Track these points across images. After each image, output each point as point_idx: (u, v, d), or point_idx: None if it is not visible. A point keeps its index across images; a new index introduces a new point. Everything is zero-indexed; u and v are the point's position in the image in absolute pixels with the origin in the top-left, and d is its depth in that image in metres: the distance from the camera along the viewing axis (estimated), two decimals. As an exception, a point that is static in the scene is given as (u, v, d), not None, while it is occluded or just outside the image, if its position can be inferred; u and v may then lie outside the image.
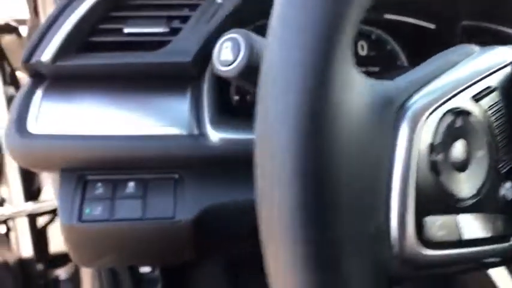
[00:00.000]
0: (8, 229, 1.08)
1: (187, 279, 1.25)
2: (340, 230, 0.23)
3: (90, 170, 0.53)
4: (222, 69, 0.37)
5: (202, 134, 0.52)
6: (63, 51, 0.49)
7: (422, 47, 0.78)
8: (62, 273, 1.04)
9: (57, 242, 1.08)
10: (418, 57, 0.77)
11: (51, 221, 1.10)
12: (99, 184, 0.53)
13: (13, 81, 1.15)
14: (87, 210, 0.51)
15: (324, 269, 0.22)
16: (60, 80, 0.52)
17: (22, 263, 1.02)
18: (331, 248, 0.23)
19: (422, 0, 0.69)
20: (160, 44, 0.53)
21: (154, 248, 0.53)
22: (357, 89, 0.24)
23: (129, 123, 0.52)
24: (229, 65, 0.37)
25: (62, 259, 1.04)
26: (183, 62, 0.51)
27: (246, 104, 0.63)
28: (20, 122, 0.49)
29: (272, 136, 0.22)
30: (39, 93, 0.51)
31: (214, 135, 0.52)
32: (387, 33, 0.78)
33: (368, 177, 0.25)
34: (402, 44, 0.79)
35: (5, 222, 1.07)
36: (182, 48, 0.52)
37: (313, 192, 0.22)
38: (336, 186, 0.23)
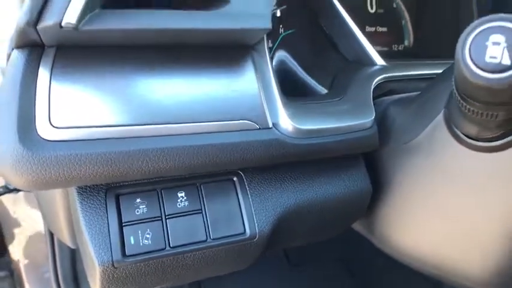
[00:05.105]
0: None
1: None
2: None
3: (121, 181, 0.37)
4: (484, 75, 0.26)
5: (277, 125, 0.40)
6: (88, 7, 0.30)
7: (424, 5, 0.76)
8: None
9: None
10: (419, 15, 0.76)
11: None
12: (139, 200, 0.38)
13: None
14: (131, 240, 0.36)
15: None
16: (72, 50, 0.33)
17: None
18: None
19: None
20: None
21: (214, 269, 0.42)
22: None
23: (179, 114, 0.36)
24: (504, 69, 0.25)
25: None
26: (258, 29, 0.37)
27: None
28: (24, 126, 0.30)
29: None
30: (44, 73, 0.32)
31: (290, 126, 0.41)
32: (393, -11, 0.73)
33: None
34: (406, 1, 0.74)
35: None
36: (249, 8, 0.37)
37: None
38: None
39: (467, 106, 0.31)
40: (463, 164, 0.41)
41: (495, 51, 0.25)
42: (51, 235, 0.79)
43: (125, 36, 0.33)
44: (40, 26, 0.29)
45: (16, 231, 0.85)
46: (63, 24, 0.29)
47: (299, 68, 0.62)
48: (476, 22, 0.26)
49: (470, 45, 0.26)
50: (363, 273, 1.25)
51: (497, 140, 0.37)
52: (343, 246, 1.31)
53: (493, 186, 0.40)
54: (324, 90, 0.60)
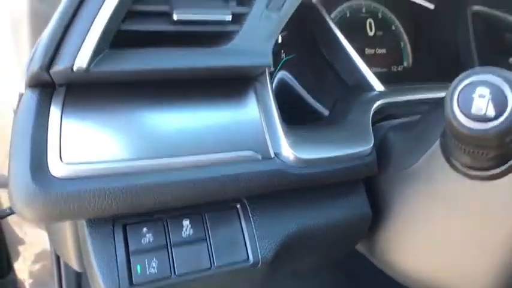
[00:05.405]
0: None
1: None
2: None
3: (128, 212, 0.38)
4: (471, 126, 0.27)
5: (279, 155, 0.42)
6: (97, 50, 0.32)
7: (422, 27, 0.77)
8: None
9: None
10: (418, 37, 0.78)
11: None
12: (145, 229, 0.39)
13: None
14: (137, 268, 0.37)
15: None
16: (81, 88, 0.34)
17: None
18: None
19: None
20: (217, 36, 0.39)
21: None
22: None
23: (184, 147, 0.38)
24: (488, 120, 0.27)
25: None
26: (259, 65, 0.39)
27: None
28: (37, 164, 0.31)
29: None
30: (55, 111, 0.33)
31: (291, 155, 0.42)
32: (392, 12, 0.75)
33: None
34: (404, 23, 0.76)
35: None
36: (252, 45, 0.38)
37: None
38: None
39: (459, 144, 0.32)
40: (461, 191, 0.42)
41: (480, 103, 0.27)
42: (57, 254, 0.80)
43: (133, 74, 0.35)
44: (52, 70, 0.31)
45: (21, 248, 0.86)
46: (74, 68, 0.30)
47: (300, 88, 0.64)
48: (464, 74, 0.28)
49: (458, 96, 0.28)
50: (364, 284, 1.26)
51: (490, 170, 0.38)
52: (345, 257, 1.31)
53: (490, 212, 0.41)
54: (325, 111, 0.61)
